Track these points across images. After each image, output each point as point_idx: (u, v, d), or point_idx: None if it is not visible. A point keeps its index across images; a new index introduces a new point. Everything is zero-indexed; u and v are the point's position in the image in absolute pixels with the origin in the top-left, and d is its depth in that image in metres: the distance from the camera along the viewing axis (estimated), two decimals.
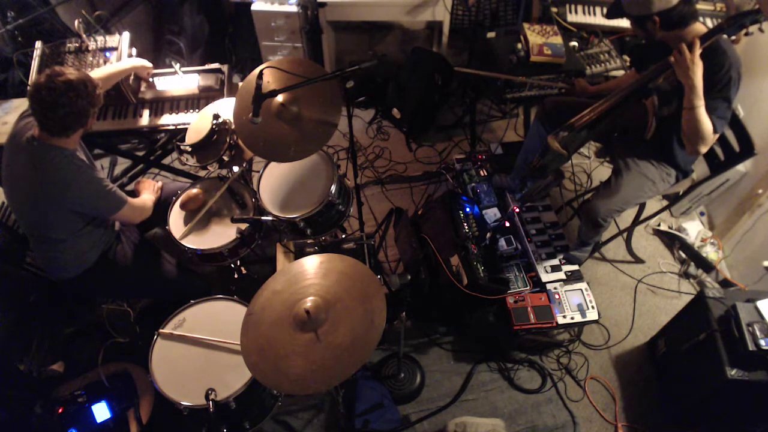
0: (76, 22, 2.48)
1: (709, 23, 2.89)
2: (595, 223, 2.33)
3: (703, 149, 2.05)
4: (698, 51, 1.86)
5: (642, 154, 2.32)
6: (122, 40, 2.56)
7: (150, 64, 2.49)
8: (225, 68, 2.69)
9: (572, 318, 2.38)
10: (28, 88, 1.79)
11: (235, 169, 2.35)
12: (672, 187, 2.42)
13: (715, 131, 2.01)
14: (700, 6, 2.87)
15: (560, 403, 2.45)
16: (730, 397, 2.05)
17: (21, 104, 2.62)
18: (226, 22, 3.88)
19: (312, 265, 1.74)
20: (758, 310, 1.97)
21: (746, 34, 1.89)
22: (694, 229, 2.98)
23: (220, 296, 2.09)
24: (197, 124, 2.33)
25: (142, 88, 2.61)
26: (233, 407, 1.84)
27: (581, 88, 2.63)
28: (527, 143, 2.73)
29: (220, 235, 2.23)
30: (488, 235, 2.53)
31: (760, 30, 1.90)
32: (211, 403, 1.75)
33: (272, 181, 2.32)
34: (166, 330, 1.99)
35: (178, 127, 2.56)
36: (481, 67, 2.81)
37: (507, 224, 2.60)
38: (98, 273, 2.14)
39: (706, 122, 1.96)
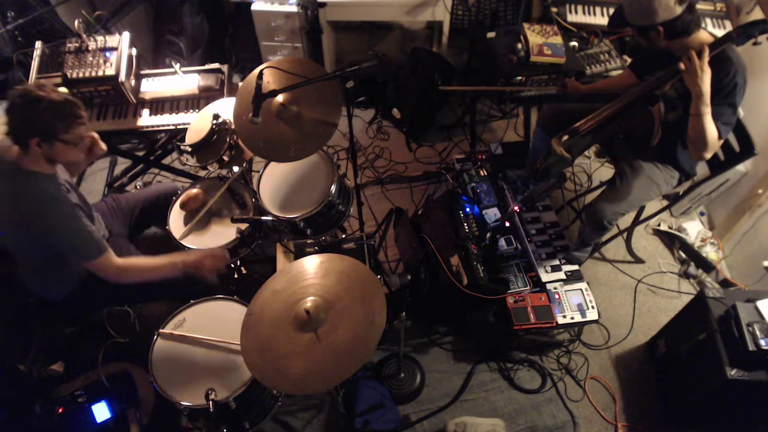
0: (76, 22, 2.48)
1: (710, 23, 2.89)
2: (600, 226, 2.34)
3: (708, 155, 2.06)
4: (707, 59, 1.86)
5: (646, 156, 2.33)
6: (122, 40, 2.55)
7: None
8: (225, 68, 2.70)
9: (572, 318, 2.38)
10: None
11: (235, 169, 2.35)
12: (673, 187, 2.42)
13: (720, 137, 2.01)
14: (700, 6, 2.87)
15: (560, 403, 2.45)
16: (730, 397, 2.04)
17: None
18: (226, 22, 3.87)
19: (312, 265, 1.74)
20: (758, 310, 1.97)
21: (755, 44, 1.89)
22: (694, 229, 2.98)
23: (220, 296, 2.08)
24: (197, 124, 2.33)
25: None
26: (233, 407, 1.84)
27: (573, 87, 2.63)
28: (534, 146, 2.75)
29: (220, 235, 2.23)
30: (488, 235, 2.53)
31: None
32: (211, 403, 1.75)
33: (272, 181, 2.32)
34: (166, 330, 1.99)
35: (178, 127, 2.56)
36: (480, 68, 2.82)
37: (507, 224, 2.60)
38: (91, 290, 2.05)
39: (711, 129, 1.97)
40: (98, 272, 1.91)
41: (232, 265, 2.60)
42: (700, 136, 1.99)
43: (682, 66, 1.91)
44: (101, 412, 2.22)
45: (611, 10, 2.58)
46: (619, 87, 2.46)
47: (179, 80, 2.67)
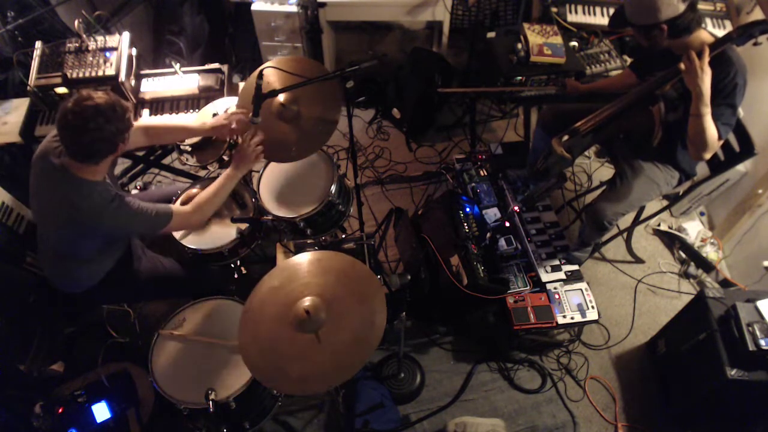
0: (76, 22, 2.48)
1: (710, 23, 2.89)
2: (600, 226, 2.34)
3: (707, 155, 2.06)
4: (707, 59, 1.86)
5: (646, 156, 2.33)
6: (122, 40, 2.55)
7: (241, 113, 2.06)
8: (225, 68, 2.70)
9: (572, 318, 2.38)
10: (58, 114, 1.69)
11: None
12: (673, 187, 2.42)
13: (719, 138, 2.01)
14: (700, 6, 2.87)
15: (560, 403, 2.45)
16: (730, 397, 2.05)
17: (21, 104, 2.62)
18: (226, 22, 3.88)
19: (307, 261, 1.72)
20: (758, 310, 1.97)
21: (755, 44, 1.89)
22: (694, 229, 2.98)
23: (220, 296, 2.09)
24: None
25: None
26: (233, 407, 1.84)
27: (573, 87, 2.63)
28: (534, 146, 2.74)
29: (220, 235, 2.22)
30: (488, 235, 2.53)
31: None
32: (211, 403, 1.75)
33: (272, 181, 2.32)
34: (166, 330, 1.99)
35: None
36: (480, 68, 2.81)
37: (507, 224, 2.60)
38: (111, 283, 2.07)
39: (711, 129, 1.97)
40: (176, 231, 2.01)
41: (233, 265, 2.60)
42: (700, 136, 1.99)
43: (682, 66, 1.91)
44: (101, 412, 2.23)
45: (611, 10, 2.58)
46: (619, 87, 2.46)
47: (179, 80, 2.67)
